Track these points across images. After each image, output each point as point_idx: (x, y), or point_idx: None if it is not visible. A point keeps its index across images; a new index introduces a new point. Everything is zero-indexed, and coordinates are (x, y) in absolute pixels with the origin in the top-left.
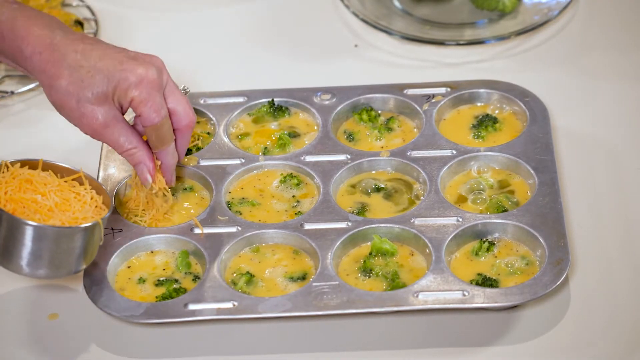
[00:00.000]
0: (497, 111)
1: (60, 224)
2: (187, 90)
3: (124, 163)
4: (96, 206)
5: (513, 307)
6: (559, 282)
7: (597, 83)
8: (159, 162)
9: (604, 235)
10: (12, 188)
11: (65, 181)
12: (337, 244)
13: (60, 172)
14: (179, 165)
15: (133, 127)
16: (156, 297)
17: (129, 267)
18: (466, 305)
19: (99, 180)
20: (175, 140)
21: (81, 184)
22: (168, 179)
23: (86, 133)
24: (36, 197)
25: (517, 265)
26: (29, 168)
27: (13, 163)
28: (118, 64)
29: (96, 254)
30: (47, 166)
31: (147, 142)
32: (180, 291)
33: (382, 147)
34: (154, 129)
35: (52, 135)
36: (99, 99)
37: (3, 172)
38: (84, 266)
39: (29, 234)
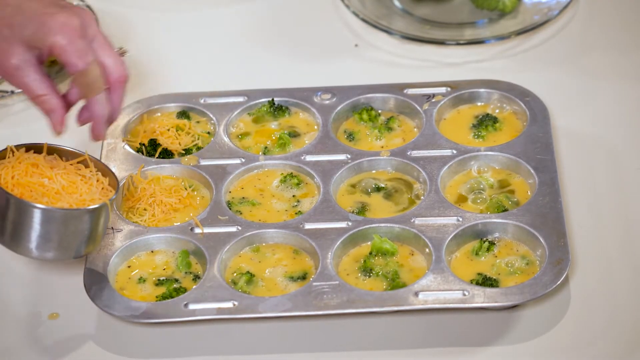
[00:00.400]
0: (497, 111)
1: (68, 206)
2: (124, 50)
3: (124, 163)
4: (103, 188)
5: (513, 307)
6: (559, 282)
7: (597, 83)
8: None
9: (604, 235)
10: (18, 172)
11: (71, 164)
12: (337, 243)
13: (65, 155)
14: (185, 175)
15: (46, 75)
16: (156, 297)
17: (129, 266)
18: (466, 305)
19: None
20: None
21: (86, 166)
22: (97, 130)
23: None
24: (43, 181)
25: (517, 265)
26: (34, 152)
27: (18, 147)
28: (42, 8)
29: (104, 235)
30: (52, 150)
31: (59, 93)
32: (180, 291)
33: (382, 147)
34: (79, 75)
35: (52, 135)
36: (16, 39)
37: (9, 157)
38: (92, 248)
39: (37, 217)
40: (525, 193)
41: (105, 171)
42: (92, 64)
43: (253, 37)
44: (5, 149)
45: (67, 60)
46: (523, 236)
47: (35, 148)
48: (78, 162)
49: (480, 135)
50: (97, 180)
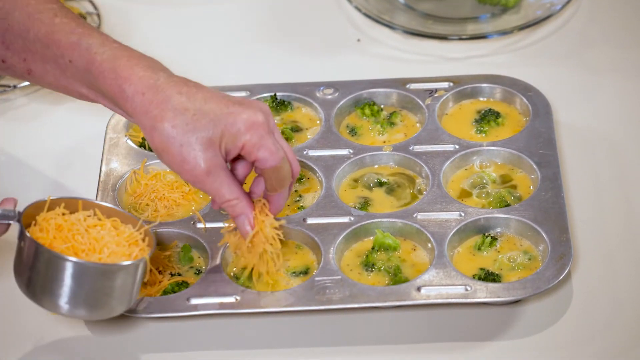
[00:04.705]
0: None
1: (102, 261)
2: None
3: (126, 157)
4: (141, 248)
5: (515, 302)
6: (561, 277)
7: (599, 78)
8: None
9: (607, 230)
10: (52, 226)
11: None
12: (340, 238)
13: (106, 212)
14: None
15: (234, 176)
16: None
17: None
18: (468, 300)
19: (101, 174)
20: None
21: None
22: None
23: (186, 180)
24: (77, 237)
25: (519, 260)
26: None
27: (55, 201)
28: (224, 107)
29: (137, 294)
30: (89, 205)
31: (247, 193)
32: (182, 285)
33: (385, 142)
34: (273, 171)
35: (54, 129)
36: (204, 143)
37: (45, 210)
38: (125, 307)
39: (69, 271)
40: (528, 188)
41: (147, 231)
42: (284, 160)
43: (255, 32)
44: (43, 201)
45: (261, 157)
46: (525, 231)
47: (71, 203)
48: (114, 220)
49: (483, 130)
50: (134, 242)
